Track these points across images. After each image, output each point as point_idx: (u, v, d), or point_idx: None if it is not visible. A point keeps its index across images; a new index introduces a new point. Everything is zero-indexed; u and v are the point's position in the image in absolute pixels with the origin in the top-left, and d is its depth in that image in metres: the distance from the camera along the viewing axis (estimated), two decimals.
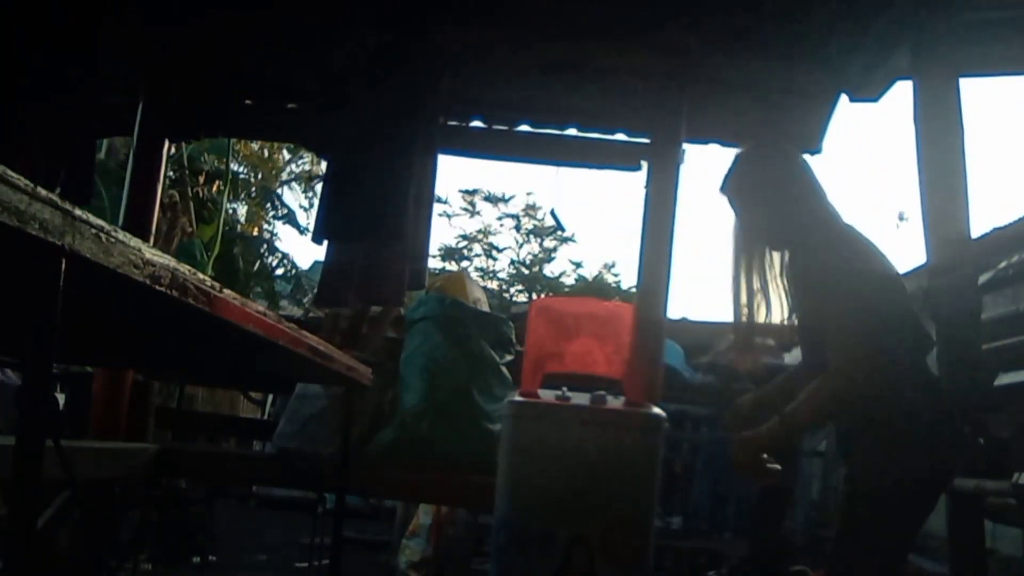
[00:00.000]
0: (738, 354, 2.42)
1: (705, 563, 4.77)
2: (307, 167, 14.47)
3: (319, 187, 6.98)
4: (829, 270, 2.09)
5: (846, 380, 1.99)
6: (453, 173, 29.62)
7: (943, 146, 3.12)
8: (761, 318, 2.26)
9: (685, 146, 3.67)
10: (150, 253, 1.09)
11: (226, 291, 1.36)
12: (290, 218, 13.82)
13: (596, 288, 16.73)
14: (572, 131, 4.38)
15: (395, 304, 4.08)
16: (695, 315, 8.45)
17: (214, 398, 9.37)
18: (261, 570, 6.00)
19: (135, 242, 1.05)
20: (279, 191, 14.34)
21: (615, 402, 2.72)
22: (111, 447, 3.42)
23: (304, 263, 13.88)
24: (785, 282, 2.28)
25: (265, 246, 13.52)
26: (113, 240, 1.00)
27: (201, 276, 1.27)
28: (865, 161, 35.09)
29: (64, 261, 0.93)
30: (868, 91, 3.77)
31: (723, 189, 2.28)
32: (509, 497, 2.60)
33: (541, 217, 17.53)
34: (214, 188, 11.32)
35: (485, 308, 4.53)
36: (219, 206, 10.51)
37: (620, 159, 4.35)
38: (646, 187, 3.67)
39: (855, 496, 2.08)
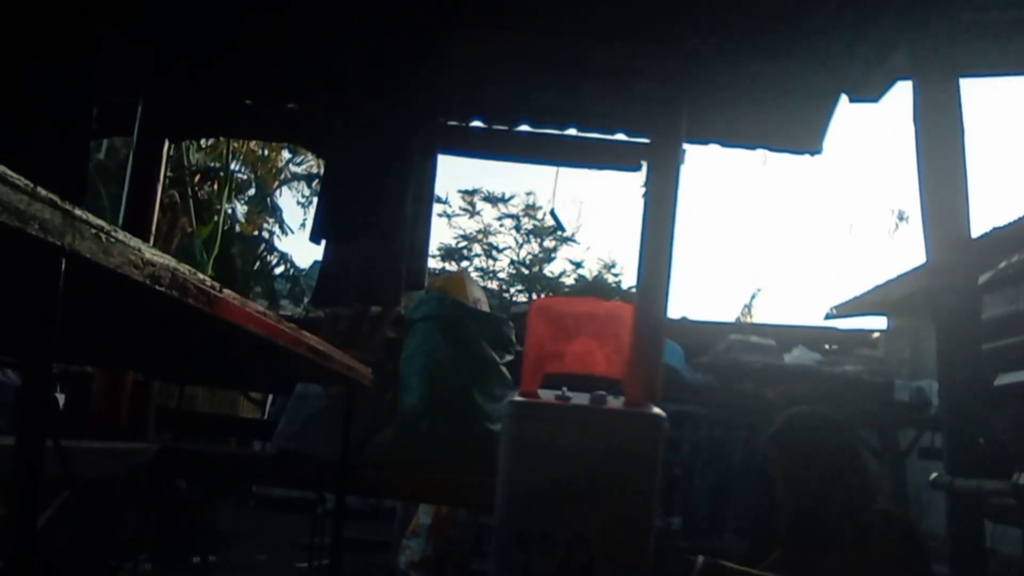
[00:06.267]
0: None
1: None
2: (308, 168, 14.49)
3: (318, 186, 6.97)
4: None
5: None
6: (453, 173, 29.60)
7: (943, 146, 3.12)
8: None
9: (685, 146, 3.67)
10: (150, 253, 1.09)
11: (226, 291, 1.36)
12: (280, 222, 13.96)
13: (596, 288, 16.71)
14: (572, 131, 4.38)
15: (391, 304, 4.08)
16: (695, 315, 8.46)
17: (214, 398, 9.38)
18: (261, 570, 6.01)
19: (135, 242, 1.05)
20: (276, 193, 14.38)
21: (615, 402, 2.72)
22: (111, 447, 3.42)
23: (303, 263, 13.91)
24: None
25: (264, 245, 13.54)
26: (113, 240, 1.00)
27: (201, 276, 1.27)
28: (865, 161, 35.10)
29: (64, 261, 0.93)
30: (868, 91, 3.77)
31: None
32: (509, 497, 2.60)
33: (541, 217, 17.53)
34: (213, 187, 11.33)
35: (485, 308, 4.53)
36: (218, 206, 10.51)
37: (620, 159, 4.35)
38: (646, 187, 3.67)
39: None
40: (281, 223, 14.03)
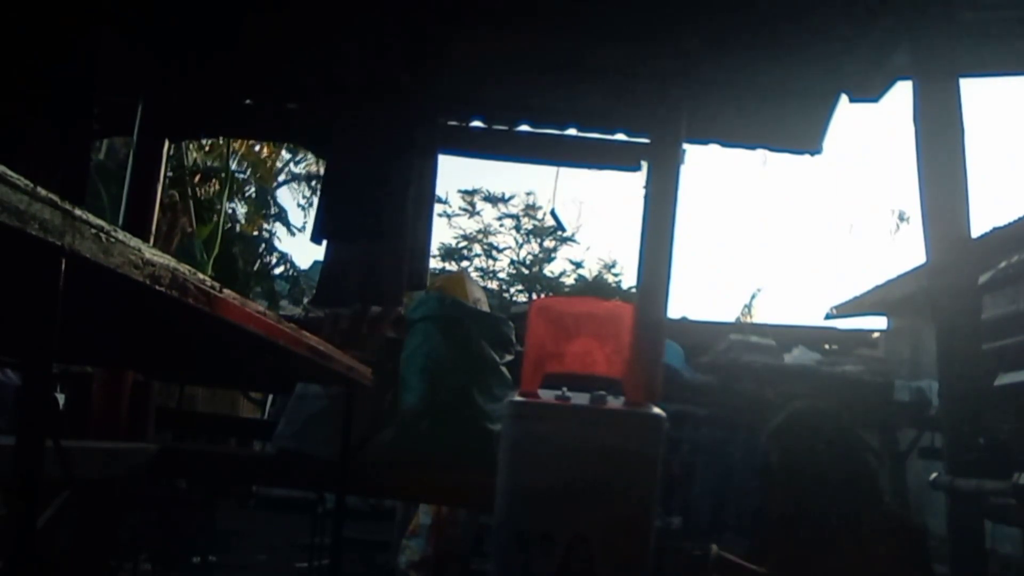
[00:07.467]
0: None
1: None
2: (308, 168, 14.49)
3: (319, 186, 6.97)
4: None
5: None
6: (453, 173, 29.59)
7: (943, 146, 3.12)
8: None
9: (685, 146, 3.67)
10: (150, 253, 1.09)
11: (226, 291, 1.36)
12: (280, 217, 13.91)
13: (596, 288, 16.71)
14: (572, 131, 4.38)
15: (393, 303, 4.08)
16: (695, 315, 8.45)
17: (214, 398, 9.39)
18: (261, 570, 6.01)
19: (135, 242, 1.05)
20: (276, 191, 14.37)
21: (615, 402, 2.72)
22: (111, 447, 3.42)
23: (304, 263, 13.91)
24: None
25: (264, 246, 13.54)
26: (113, 240, 1.00)
27: (201, 276, 1.26)
28: (865, 161, 35.09)
29: (64, 261, 0.93)
30: (868, 91, 3.78)
31: None
32: (509, 497, 2.60)
33: (541, 217, 17.54)
34: (212, 188, 11.33)
35: (485, 308, 4.53)
36: (218, 206, 10.52)
37: (620, 159, 4.35)
38: (646, 187, 3.67)
39: None
40: (287, 223, 13.99)
